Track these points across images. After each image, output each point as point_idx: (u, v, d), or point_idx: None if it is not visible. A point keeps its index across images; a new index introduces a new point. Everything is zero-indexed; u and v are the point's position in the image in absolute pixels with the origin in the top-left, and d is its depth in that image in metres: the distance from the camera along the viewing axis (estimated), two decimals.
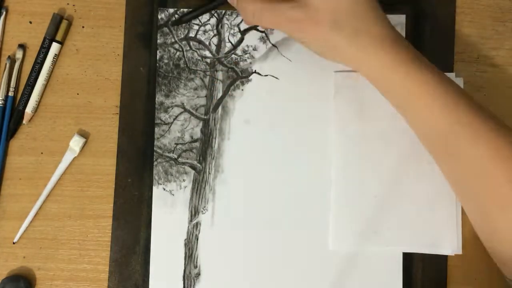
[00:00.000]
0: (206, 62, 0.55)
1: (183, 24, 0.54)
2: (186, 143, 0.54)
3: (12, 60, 0.54)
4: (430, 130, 0.47)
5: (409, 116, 0.48)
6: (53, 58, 0.54)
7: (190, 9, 0.54)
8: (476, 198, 0.47)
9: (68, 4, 0.55)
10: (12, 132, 0.54)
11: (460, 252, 0.52)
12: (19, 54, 0.54)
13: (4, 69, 0.54)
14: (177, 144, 0.54)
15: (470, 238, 0.53)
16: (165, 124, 0.54)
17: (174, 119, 0.54)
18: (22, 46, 0.54)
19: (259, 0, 0.47)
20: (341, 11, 0.45)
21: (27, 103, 0.54)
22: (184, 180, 0.53)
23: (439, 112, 0.45)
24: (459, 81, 0.54)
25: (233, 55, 0.55)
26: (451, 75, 0.54)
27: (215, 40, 0.55)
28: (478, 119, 0.45)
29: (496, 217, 0.45)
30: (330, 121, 0.54)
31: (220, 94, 0.54)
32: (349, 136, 0.53)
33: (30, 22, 0.55)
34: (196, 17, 0.54)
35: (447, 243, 0.52)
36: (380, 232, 0.53)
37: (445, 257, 0.53)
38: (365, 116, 0.53)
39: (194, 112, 0.54)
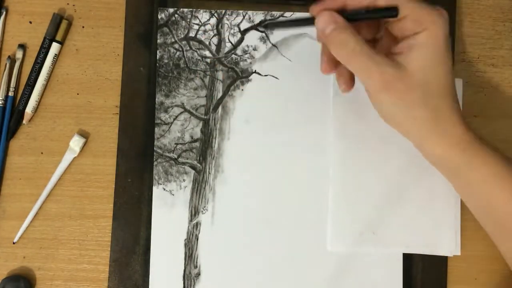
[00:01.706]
0: (206, 62, 0.55)
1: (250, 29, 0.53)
2: (186, 143, 0.54)
3: (12, 60, 0.54)
4: (492, 211, 0.46)
5: (474, 200, 0.47)
6: (53, 58, 0.54)
7: (279, 20, 0.53)
8: None
9: (68, 4, 0.55)
10: (12, 132, 0.54)
11: (458, 253, 0.52)
12: (19, 54, 0.54)
13: (4, 69, 0.54)
14: (177, 144, 0.54)
15: (470, 239, 0.53)
16: (165, 124, 0.54)
17: (174, 119, 0.54)
18: (22, 46, 0.54)
19: (362, 40, 0.42)
20: (432, 86, 0.43)
21: (27, 103, 0.54)
22: (184, 180, 0.53)
23: (508, 194, 0.45)
24: (459, 82, 0.54)
25: (233, 55, 0.55)
26: None
27: (215, 40, 0.55)
28: None
29: None
30: (329, 121, 0.54)
31: (220, 94, 0.54)
32: (348, 136, 0.53)
33: (30, 22, 0.55)
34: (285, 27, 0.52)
35: (445, 244, 0.52)
36: (378, 233, 0.53)
37: (445, 257, 0.53)
38: (364, 117, 0.53)
39: (194, 112, 0.54)
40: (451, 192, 0.52)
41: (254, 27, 0.55)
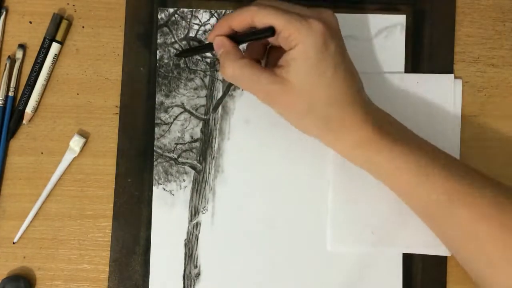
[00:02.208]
0: (206, 62, 0.55)
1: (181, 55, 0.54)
2: (186, 143, 0.54)
3: (12, 60, 0.54)
4: (412, 201, 0.49)
5: (392, 189, 0.49)
6: (53, 58, 0.54)
7: (187, 48, 0.54)
8: (468, 262, 0.48)
9: (68, 4, 0.55)
10: (12, 132, 0.54)
11: None
12: (19, 54, 0.54)
13: (4, 69, 0.54)
14: (177, 144, 0.54)
15: None
16: (165, 124, 0.54)
17: (174, 119, 0.54)
18: (22, 46, 0.54)
19: (241, 64, 0.46)
20: (315, 96, 0.45)
21: (27, 103, 0.54)
22: (184, 180, 0.53)
23: (415, 185, 0.47)
24: (458, 82, 0.54)
25: None
26: (450, 76, 0.54)
27: None
28: (455, 184, 0.46)
29: (487, 275, 0.46)
30: None
31: (220, 94, 0.54)
32: None
33: (30, 22, 0.55)
34: (194, 54, 0.54)
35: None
36: (378, 233, 0.53)
37: (445, 257, 0.53)
38: None
39: (194, 112, 0.54)
40: None
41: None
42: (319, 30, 0.44)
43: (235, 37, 0.47)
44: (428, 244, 0.52)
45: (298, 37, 0.44)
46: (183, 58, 0.54)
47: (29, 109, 0.53)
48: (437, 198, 0.46)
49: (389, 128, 0.48)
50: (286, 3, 0.46)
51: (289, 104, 0.46)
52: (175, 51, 0.54)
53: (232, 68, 0.46)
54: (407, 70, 0.55)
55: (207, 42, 0.50)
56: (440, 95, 0.54)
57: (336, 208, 0.53)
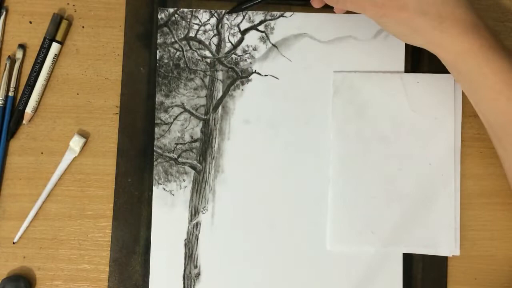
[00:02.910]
0: (206, 62, 0.55)
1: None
2: (186, 143, 0.54)
3: (12, 60, 0.54)
4: (498, 117, 0.47)
5: (480, 102, 0.48)
6: (53, 58, 0.54)
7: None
8: None
9: (68, 4, 0.55)
10: (12, 132, 0.53)
11: (457, 253, 0.52)
12: (19, 54, 0.54)
13: (4, 69, 0.54)
14: (177, 144, 0.54)
15: (470, 239, 0.53)
16: (165, 124, 0.54)
17: (174, 119, 0.54)
18: (22, 46, 0.54)
19: None
20: None
21: (27, 103, 0.54)
22: (184, 180, 0.53)
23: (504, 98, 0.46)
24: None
25: (233, 55, 0.55)
26: (450, 76, 0.54)
27: (215, 40, 0.55)
28: None
29: None
30: (329, 121, 0.54)
31: (220, 94, 0.54)
32: (347, 136, 0.53)
33: (30, 22, 0.55)
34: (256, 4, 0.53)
35: (444, 244, 0.52)
36: (377, 233, 0.53)
37: (445, 257, 0.53)
38: (364, 116, 0.54)
39: (194, 112, 0.54)
40: (451, 192, 0.52)
41: (254, 27, 0.55)
42: None
43: None
44: (427, 244, 0.52)
45: None
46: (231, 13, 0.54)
47: (29, 109, 0.53)
48: None
49: (496, 40, 0.47)
50: None
51: (398, 10, 0.46)
52: (175, 51, 0.54)
53: None
54: (407, 70, 0.55)
55: None
56: (440, 95, 0.54)
57: (335, 208, 0.53)
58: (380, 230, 0.53)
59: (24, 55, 0.54)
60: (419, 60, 0.55)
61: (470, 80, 0.47)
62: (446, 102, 0.54)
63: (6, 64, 0.54)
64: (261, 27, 0.55)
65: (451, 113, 0.54)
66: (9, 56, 0.54)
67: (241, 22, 0.55)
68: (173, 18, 0.55)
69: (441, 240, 0.53)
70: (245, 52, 0.55)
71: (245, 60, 0.55)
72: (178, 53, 0.54)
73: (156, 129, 0.54)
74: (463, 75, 0.48)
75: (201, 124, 0.54)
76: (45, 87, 0.54)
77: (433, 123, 0.54)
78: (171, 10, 0.55)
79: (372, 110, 0.53)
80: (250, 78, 0.54)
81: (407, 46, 0.55)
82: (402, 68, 0.55)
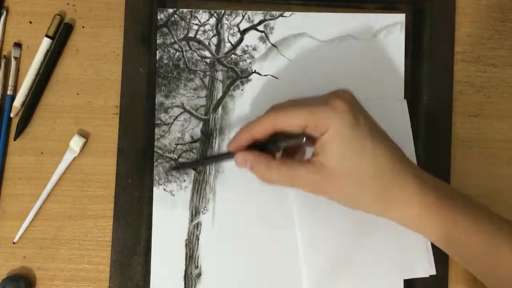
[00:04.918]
0: (206, 62, 0.55)
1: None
2: (186, 143, 0.54)
3: (8, 58, 0.54)
4: (472, 257, 0.46)
5: (451, 251, 0.48)
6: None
7: (188, 161, 0.53)
8: None
9: (68, 4, 0.55)
10: (19, 131, 0.53)
11: (434, 272, 0.52)
12: (15, 53, 0.54)
13: (5, 69, 0.54)
14: (177, 144, 0.54)
15: None
16: (165, 124, 0.54)
17: (174, 120, 0.54)
18: (18, 45, 0.54)
19: (277, 166, 0.45)
20: (363, 172, 0.44)
21: (27, 103, 0.54)
22: (184, 181, 0.53)
23: (477, 239, 0.45)
24: (403, 103, 0.54)
25: (232, 55, 0.55)
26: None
27: (214, 40, 0.55)
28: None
29: None
30: None
31: (220, 94, 0.54)
32: None
33: (30, 22, 0.54)
34: (195, 166, 0.53)
35: (420, 267, 0.52)
36: (353, 269, 0.52)
37: (445, 257, 0.53)
38: None
39: (194, 112, 0.54)
40: None
41: (254, 27, 0.55)
42: (343, 108, 0.43)
43: (258, 146, 0.47)
44: (402, 270, 0.52)
45: (326, 121, 0.43)
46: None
47: (17, 103, 0.53)
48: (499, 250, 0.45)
49: (450, 194, 0.46)
50: (297, 99, 0.46)
51: (337, 188, 0.45)
52: (174, 51, 0.54)
53: (271, 175, 0.46)
54: (407, 69, 0.55)
55: (226, 152, 0.49)
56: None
57: (306, 249, 0.52)
58: (354, 266, 0.52)
59: (20, 54, 0.54)
60: (419, 60, 0.55)
61: (434, 239, 0.47)
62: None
63: (1, 63, 0.54)
64: (260, 27, 0.55)
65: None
66: (4, 56, 0.54)
67: (240, 22, 0.55)
68: (173, 19, 0.55)
69: (417, 264, 0.52)
70: (244, 52, 0.55)
71: (245, 60, 0.55)
72: (177, 53, 0.54)
73: (156, 130, 0.54)
74: (426, 236, 0.47)
75: (201, 124, 0.54)
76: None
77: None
78: (170, 10, 0.55)
79: None
80: (250, 78, 0.54)
81: (407, 46, 0.55)
82: (402, 67, 0.55)
